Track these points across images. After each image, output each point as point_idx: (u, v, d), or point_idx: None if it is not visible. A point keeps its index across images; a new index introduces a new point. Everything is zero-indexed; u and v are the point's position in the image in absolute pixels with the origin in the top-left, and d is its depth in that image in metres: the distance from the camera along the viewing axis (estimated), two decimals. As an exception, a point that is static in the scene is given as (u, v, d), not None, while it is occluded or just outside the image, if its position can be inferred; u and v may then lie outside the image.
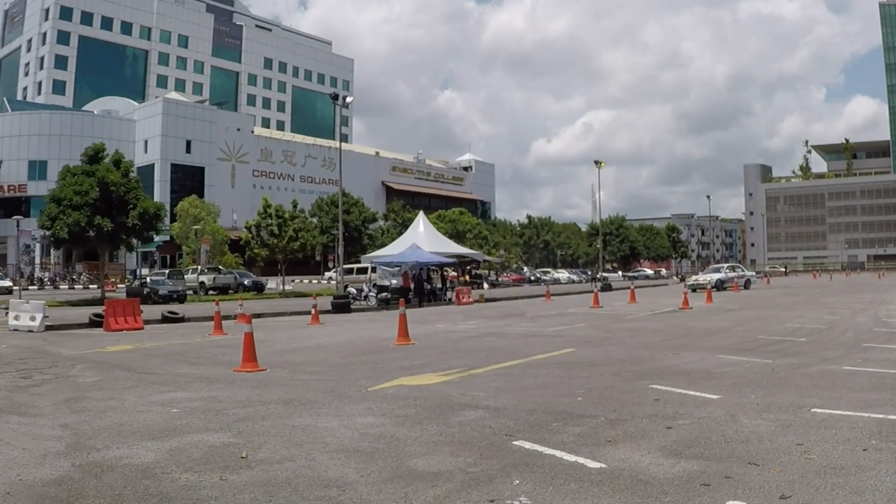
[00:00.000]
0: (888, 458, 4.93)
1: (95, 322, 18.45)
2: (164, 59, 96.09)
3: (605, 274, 61.52)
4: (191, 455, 5.33)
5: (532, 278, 63.03)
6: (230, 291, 37.74)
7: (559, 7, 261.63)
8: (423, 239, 32.27)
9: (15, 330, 17.49)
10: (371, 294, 28.68)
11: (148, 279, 35.12)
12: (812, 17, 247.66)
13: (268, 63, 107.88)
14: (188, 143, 69.80)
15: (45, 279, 51.60)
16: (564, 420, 6.40)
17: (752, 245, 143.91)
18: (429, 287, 31.41)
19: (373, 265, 34.79)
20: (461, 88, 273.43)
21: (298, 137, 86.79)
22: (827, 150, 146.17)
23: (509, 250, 70.92)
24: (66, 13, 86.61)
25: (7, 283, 43.22)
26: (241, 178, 73.74)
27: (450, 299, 31.12)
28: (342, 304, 24.91)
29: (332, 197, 59.58)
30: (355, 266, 41.52)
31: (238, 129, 75.64)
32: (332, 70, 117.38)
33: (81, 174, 29.80)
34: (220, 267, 42.65)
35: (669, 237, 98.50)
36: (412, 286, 29.56)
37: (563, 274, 67.36)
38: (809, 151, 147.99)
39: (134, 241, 32.97)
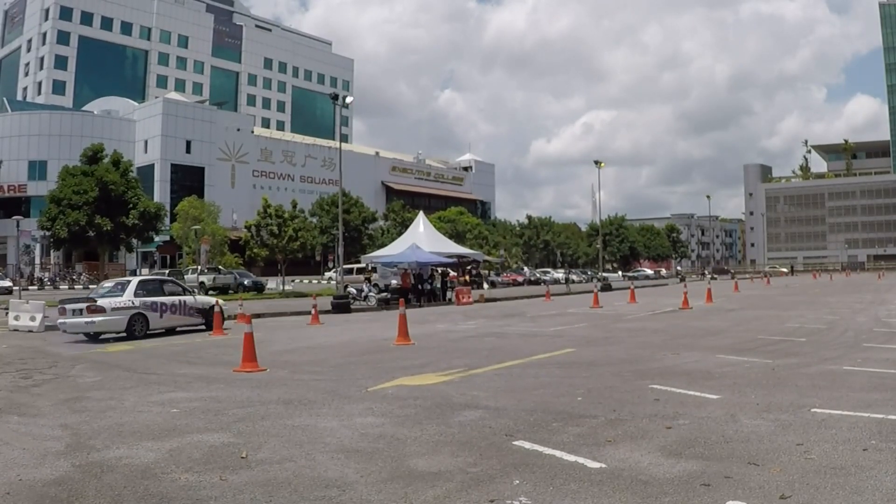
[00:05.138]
0: (888, 458, 4.93)
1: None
2: (164, 59, 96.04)
3: (604, 274, 61.45)
4: (191, 455, 5.33)
5: (532, 278, 62.95)
6: (230, 291, 37.70)
7: (560, 7, 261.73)
8: (423, 239, 32.23)
9: (15, 330, 17.51)
10: (371, 294, 28.68)
11: (148, 279, 35.03)
12: (813, 17, 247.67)
13: (268, 63, 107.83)
14: (188, 143, 69.82)
15: (45, 279, 51.48)
16: (564, 420, 6.40)
17: (752, 245, 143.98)
18: (429, 287, 31.40)
19: (372, 265, 34.76)
20: (462, 88, 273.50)
21: (298, 137, 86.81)
22: (827, 150, 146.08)
23: (509, 250, 70.91)
24: (66, 13, 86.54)
25: (7, 283, 43.15)
26: (241, 178, 73.74)
27: (450, 299, 31.11)
28: (342, 304, 24.89)
29: (332, 197, 59.66)
30: (355, 266, 41.50)
31: (238, 129, 75.65)
32: (333, 70, 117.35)
33: (81, 174, 29.88)
34: (220, 267, 42.60)
35: (669, 237, 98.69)
36: (412, 286, 29.57)
37: (562, 274, 67.04)
38: (809, 151, 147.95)
39: (134, 241, 33.02)
